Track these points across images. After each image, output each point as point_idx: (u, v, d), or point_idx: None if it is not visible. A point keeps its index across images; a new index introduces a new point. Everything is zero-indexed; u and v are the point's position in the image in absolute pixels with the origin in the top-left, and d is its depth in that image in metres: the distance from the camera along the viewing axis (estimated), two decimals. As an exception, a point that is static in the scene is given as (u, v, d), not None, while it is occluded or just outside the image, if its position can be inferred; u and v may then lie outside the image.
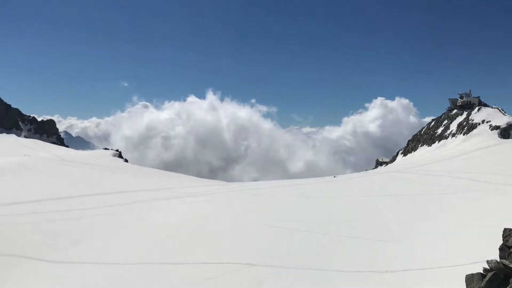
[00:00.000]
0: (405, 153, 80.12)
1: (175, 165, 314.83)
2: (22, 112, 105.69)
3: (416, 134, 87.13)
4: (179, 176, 53.58)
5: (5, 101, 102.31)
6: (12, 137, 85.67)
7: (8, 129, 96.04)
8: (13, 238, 20.49)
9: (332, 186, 35.68)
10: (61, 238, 20.33)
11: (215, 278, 13.29)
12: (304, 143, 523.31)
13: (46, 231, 21.57)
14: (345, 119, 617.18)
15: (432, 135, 78.07)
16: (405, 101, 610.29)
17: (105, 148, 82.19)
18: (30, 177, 42.27)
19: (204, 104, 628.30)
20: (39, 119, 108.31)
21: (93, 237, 20.35)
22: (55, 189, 35.01)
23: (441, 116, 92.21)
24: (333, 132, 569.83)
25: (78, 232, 21.14)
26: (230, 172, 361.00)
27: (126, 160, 65.39)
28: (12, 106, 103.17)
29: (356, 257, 14.23)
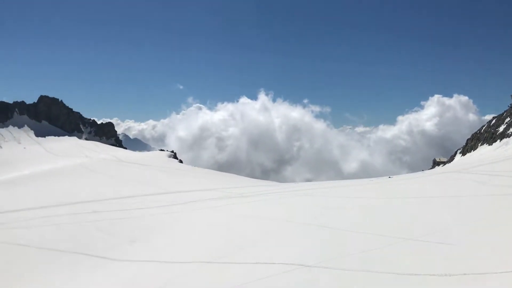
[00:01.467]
0: (464, 152, 76.67)
1: (228, 166, 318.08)
2: (83, 115, 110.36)
3: (476, 133, 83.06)
4: (232, 177, 54.13)
5: (67, 105, 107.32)
6: (74, 140, 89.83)
7: (70, 132, 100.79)
8: (77, 236, 21.54)
9: (386, 186, 34.77)
10: (120, 237, 21.12)
11: (267, 278, 13.29)
12: (358, 143, 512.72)
13: (106, 229, 22.50)
14: (400, 117, 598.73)
15: (493, 134, 74.20)
16: (464, 98, 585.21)
17: (161, 150, 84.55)
18: (91, 178, 44.20)
19: (256, 105, 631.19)
20: (98, 122, 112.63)
21: (150, 236, 20.96)
22: (114, 189, 36.39)
23: (503, 113, 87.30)
24: (387, 131, 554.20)
25: (136, 231, 21.87)
26: (282, 173, 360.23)
27: (180, 161, 66.97)
28: (74, 110, 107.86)
29: (413, 259, 13.76)
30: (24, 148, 77.64)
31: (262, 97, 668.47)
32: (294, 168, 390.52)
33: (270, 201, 30.54)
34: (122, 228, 22.67)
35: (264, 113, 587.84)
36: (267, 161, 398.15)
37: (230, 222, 23.26)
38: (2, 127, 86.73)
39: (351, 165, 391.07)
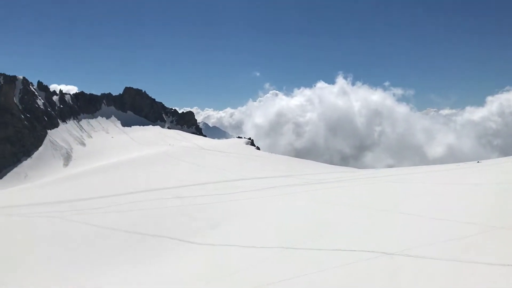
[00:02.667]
0: None
1: (306, 152, 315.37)
2: (165, 105, 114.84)
3: None
4: (310, 163, 53.71)
5: (150, 96, 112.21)
6: (157, 129, 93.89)
7: (153, 121, 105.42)
8: (162, 220, 22.56)
9: (474, 171, 32.76)
10: (202, 221, 21.78)
11: (348, 265, 13.04)
12: (444, 126, 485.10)
13: (189, 214, 23.32)
14: (490, 98, 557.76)
15: None
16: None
17: (239, 137, 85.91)
18: (174, 165, 46.05)
19: (334, 89, 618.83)
20: (180, 111, 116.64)
21: (231, 221, 21.39)
22: (196, 175, 37.62)
23: None
24: (475, 113, 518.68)
25: (217, 216, 22.43)
26: (362, 159, 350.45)
27: (258, 148, 67.69)
28: (156, 100, 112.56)
29: (509, 249, 12.83)
30: (112, 137, 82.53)
31: (340, 80, 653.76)
32: (375, 154, 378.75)
33: (349, 187, 29.97)
34: (204, 213, 23.36)
35: (343, 97, 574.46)
36: (346, 147, 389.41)
37: (309, 208, 23.12)
38: (92, 118, 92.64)
39: (436, 150, 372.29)
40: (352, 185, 31.23)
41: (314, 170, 42.05)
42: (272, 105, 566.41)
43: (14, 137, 65.20)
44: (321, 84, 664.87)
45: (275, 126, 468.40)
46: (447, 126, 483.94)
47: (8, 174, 59.41)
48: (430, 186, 28.25)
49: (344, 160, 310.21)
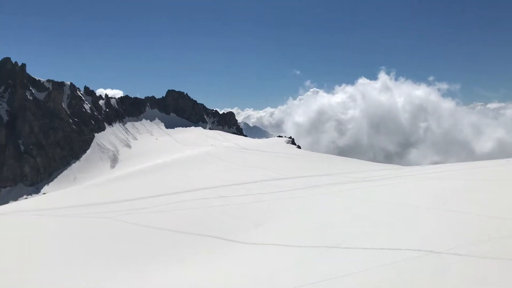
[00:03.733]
0: None
1: (349, 150, 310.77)
2: (206, 106, 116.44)
3: None
4: (353, 161, 53.04)
5: (192, 98, 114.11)
6: (199, 129, 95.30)
7: (195, 122, 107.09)
8: (206, 220, 22.95)
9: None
10: (245, 221, 21.99)
11: (394, 264, 12.85)
12: (492, 121, 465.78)
13: (232, 213, 23.59)
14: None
15: None
16: None
17: (279, 136, 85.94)
18: (216, 165, 46.61)
19: (376, 85, 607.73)
20: (220, 112, 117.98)
21: (274, 220, 21.48)
22: (238, 174, 37.96)
23: None
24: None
25: (260, 215, 22.58)
26: (407, 157, 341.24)
27: (299, 146, 67.49)
28: (198, 102, 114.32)
29: None
30: (156, 139, 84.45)
31: (383, 76, 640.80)
32: (420, 151, 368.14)
33: (393, 185, 29.44)
34: (247, 212, 23.57)
35: (386, 93, 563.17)
36: (390, 145, 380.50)
37: (353, 206, 22.89)
38: (137, 121, 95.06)
39: (485, 145, 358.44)
40: (397, 182, 30.64)
41: (357, 168, 41.53)
42: (313, 103, 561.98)
43: (63, 141, 67.85)
44: (362, 80, 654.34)
45: (316, 124, 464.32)
46: (496, 120, 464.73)
47: (59, 177, 61.88)
48: (478, 183, 27.33)
49: (388, 158, 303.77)
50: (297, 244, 16.81)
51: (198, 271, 15.95)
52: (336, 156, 61.66)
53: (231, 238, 19.38)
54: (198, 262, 17.08)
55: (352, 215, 21.01)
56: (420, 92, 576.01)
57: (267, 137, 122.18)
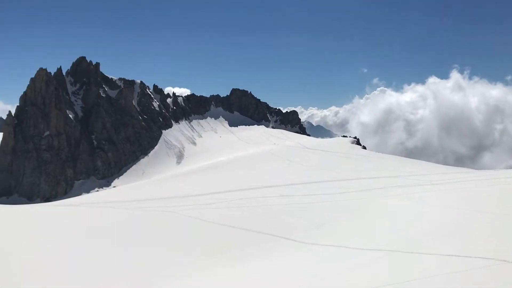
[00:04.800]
0: None
1: (417, 152, 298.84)
2: (270, 105, 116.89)
3: None
4: (421, 163, 51.07)
5: (255, 96, 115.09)
6: (262, 128, 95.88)
7: (258, 121, 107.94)
8: (268, 218, 23.03)
9: None
10: (306, 221, 21.82)
11: (463, 272, 12.21)
12: None
13: (294, 213, 23.50)
14: None
15: None
16: None
17: (344, 136, 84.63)
18: (278, 163, 46.68)
19: (448, 84, 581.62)
20: (283, 111, 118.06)
21: (336, 221, 21.15)
22: (299, 174, 37.80)
23: None
24: None
25: (322, 216, 22.32)
26: (479, 161, 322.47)
27: (364, 147, 66.06)
28: (261, 100, 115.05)
29: None
30: (220, 137, 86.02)
31: (455, 75, 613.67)
32: (495, 154, 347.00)
33: (463, 190, 28.01)
34: (309, 212, 23.39)
35: (458, 93, 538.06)
36: (461, 147, 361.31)
37: (419, 210, 22.06)
38: (202, 119, 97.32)
39: None
40: (468, 186, 29.15)
41: (425, 171, 39.96)
42: (380, 102, 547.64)
43: (133, 137, 70.78)
44: (433, 79, 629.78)
45: (383, 124, 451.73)
46: None
47: (128, 171, 64.66)
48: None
49: (459, 161, 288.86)
50: (360, 246, 16.43)
51: (257, 270, 16.03)
52: (404, 157, 59.54)
53: (292, 237, 19.30)
54: (258, 260, 17.16)
55: (418, 219, 20.23)
56: (496, 92, 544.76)
57: (331, 137, 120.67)
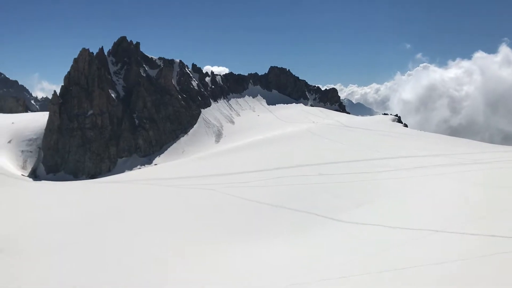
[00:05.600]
0: None
1: (462, 131, 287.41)
2: (308, 83, 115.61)
3: None
4: (465, 142, 49.43)
5: (294, 74, 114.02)
6: (300, 106, 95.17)
7: (296, 99, 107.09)
8: (306, 196, 23.01)
9: None
10: (345, 199, 21.68)
11: (508, 254, 11.87)
12: None
13: (333, 192, 23.37)
14: None
15: None
16: None
17: (384, 114, 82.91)
18: (317, 142, 46.36)
19: (496, 59, 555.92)
20: (322, 89, 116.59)
21: (376, 200, 20.90)
22: (338, 153, 37.42)
23: None
24: None
25: (362, 195, 22.09)
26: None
27: (405, 125, 64.56)
28: (300, 78, 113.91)
29: None
30: (258, 115, 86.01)
31: (504, 49, 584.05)
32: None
33: (510, 169, 27.03)
34: (348, 191, 23.20)
35: (508, 69, 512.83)
36: (509, 125, 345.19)
37: (462, 190, 21.46)
38: (240, 97, 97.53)
39: None
40: (514, 166, 28.09)
41: (469, 150, 38.70)
42: (423, 79, 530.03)
43: (173, 115, 71.88)
44: (480, 54, 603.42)
45: (426, 101, 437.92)
46: None
47: (168, 150, 65.88)
48: None
49: (507, 140, 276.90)
50: (400, 225, 16.22)
51: (296, 247, 16.12)
52: (447, 136, 57.72)
53: (331, 216, 19.25)
54: (297, 238, 17.25)
55: (460, 198, 19.72)
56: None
57: (371, 115, 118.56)
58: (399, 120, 68.47)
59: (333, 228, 17.75)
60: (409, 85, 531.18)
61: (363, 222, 17.63)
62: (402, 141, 44.69)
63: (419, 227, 15.67)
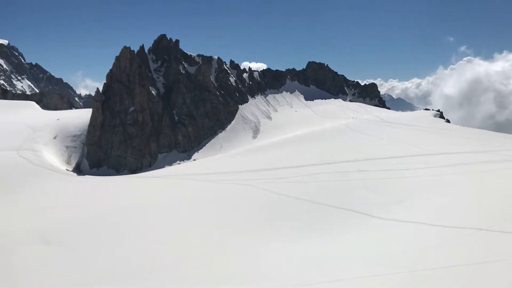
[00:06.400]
0: None
1: (509, 126, 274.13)
2: (347, 78, 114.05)
3: None
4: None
5: (332, 69, 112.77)
6: (338, 102, 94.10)
7: (335, 95, 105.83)
8: (344, 193, 22.73)
9: None
10: (385, 196, 21.30)
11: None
12: None
13: (372, 188, 23.01)
14: None
15: None
16: None
17: (426, 109, 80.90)
18: (356, 138, 45.74)
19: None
20: (362, 84, 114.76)
21: (417, 197, 20.46)
22: (378, 149, 36.79)
23: None
24: None
25: (402, 192, 21.66)
26: None
27: (448, 120, 62.75)
28: (338, 73, 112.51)
29: None
30: (296, 111, 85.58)
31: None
32: None
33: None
34: (388, 187, 22.79)
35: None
36: None
37: (508, 188, 20.72)
38: (277, 93, 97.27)
39: None
40: None
41: (515, 146, 37.16)
42: (467, 72, 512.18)
43: (211, 112, 72.54)
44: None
45: (470, 96, 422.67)
46: None
47: (207, 145, 66.53)
48: None
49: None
50: (443, 224, 15.82)
51: (335, 245, 15.98)
52: (492, 132, 55.60)
53: (370, 213, 18.98)
54: (335, 235, 17.09)
55: (506, 197, 19.04)
56: None
57: (412, 110, 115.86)
58: (441, 115, 66.59)
59: (372, 225, 17.49)
60: (452, 80, 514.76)
61: (403, 219, 17.29)
62: (444, 137, 43.49)
63: (462, 225, 15.24)
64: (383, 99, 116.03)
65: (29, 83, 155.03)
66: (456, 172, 25.37)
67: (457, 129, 52.15)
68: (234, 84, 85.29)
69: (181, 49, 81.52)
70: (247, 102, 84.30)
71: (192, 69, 78.60)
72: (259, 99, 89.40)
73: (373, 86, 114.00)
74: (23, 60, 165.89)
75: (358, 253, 14.43)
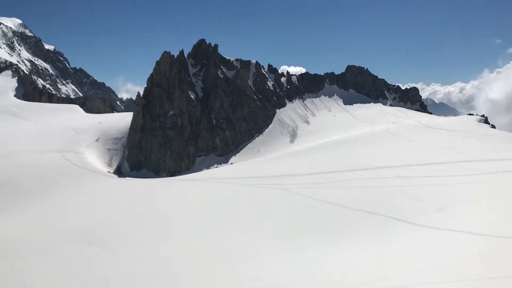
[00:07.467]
0: None
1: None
2: (387, 82, 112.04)
3: None
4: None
5: (372, 73, 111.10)
6: (378, 106, 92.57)
7: (375, 99, 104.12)
8: (384, 199, 22.26)
9: None
10: (426, 203, 20.72)
11: None
12: None
13: (412, 195, 22.44)
14: None
15: None
16: None
17: (470, 114, 78.48)
18: (396, 143, 44.82)
19: None
20: (403, 88, 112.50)
21: (459, 205, 19.81)
22: (419, 155, 35.90)
23: None
24: None
25: (444, 199, 21.02)
26: None
27: (493, 126, 60.57)
28: (378, 77, 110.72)
29: None
30: (334, 115, 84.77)
31: None
32: None
33: None
34: (429, 194, 22.17)
35: None
36: None
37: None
38: (315, 97, 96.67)
39: None
40: None
41: None
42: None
43: (248, 116, 72.84)
44: None
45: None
46: None
47: (244, 149, 66.82)
48: None
49: None
50: (483, 232, 15.23)
51: (373, 252, 15.65)
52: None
53: (410, 220, 18.50)
54: (375, 242, 16.73)
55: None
56: None
57: (455, 115, 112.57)
58: (486, 120, 64.36)
59: (412, 232, 17.03)
60: (498, 83, 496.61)
61: (445, 227, 16.74)
62: (489, 143, 41.98)
63: (507, 235, 14.61)
64: (424, 103, 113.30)
65: (73, 87, 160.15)
66: (500, 179, 24.43)
67: (503, 135, 50.25)
68: (271, 88, 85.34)
69: (219, 54, 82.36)
70: (284, 106, 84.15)
71: (230, 74, 79.23)
72: (297, 103, 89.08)
73: (415, 90, 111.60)
74: (68, 65, 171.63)
75: (399, 263, 14.10)
